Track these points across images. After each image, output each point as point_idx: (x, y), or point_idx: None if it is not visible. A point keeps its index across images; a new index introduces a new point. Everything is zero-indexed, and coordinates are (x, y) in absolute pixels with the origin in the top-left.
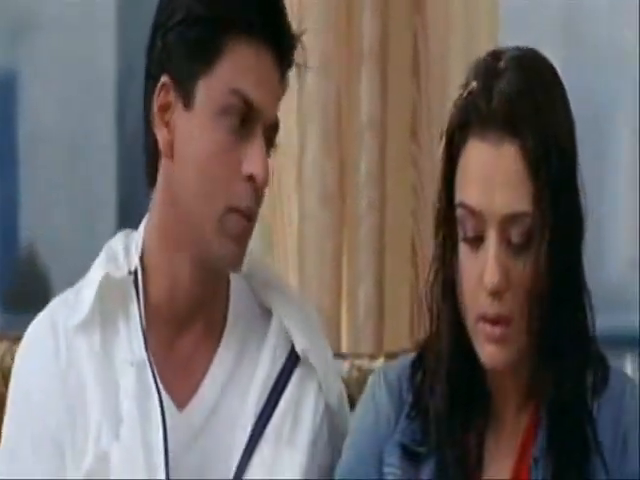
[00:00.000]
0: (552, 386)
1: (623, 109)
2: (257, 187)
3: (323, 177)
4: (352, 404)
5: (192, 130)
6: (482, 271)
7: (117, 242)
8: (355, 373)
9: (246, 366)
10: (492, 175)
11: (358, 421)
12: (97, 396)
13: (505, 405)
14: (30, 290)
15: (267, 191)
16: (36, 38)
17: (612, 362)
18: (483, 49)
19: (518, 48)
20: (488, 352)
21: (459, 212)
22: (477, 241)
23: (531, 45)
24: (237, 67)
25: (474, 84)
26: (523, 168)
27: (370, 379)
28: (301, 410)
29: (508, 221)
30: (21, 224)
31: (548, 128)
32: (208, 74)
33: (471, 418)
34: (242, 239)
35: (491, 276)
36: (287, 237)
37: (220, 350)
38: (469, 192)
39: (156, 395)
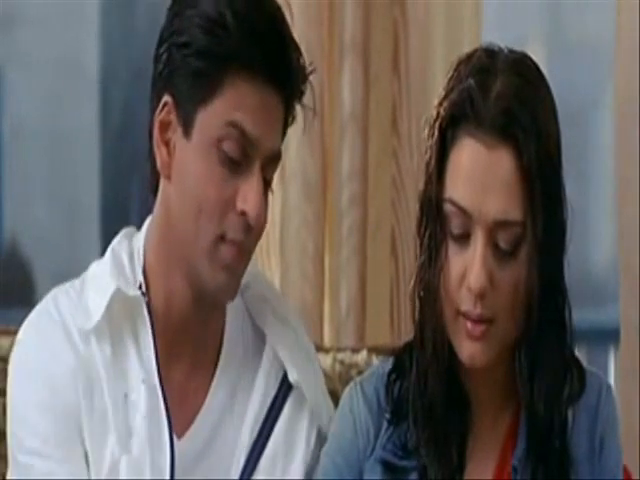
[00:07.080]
0: (529, 393)
1: (604, 105)
2: (249, 223)
3: (305, 171)
4: (335, 399)
5: (189, 158)
6: (466, 269)
7: (122, 248)
8: (338, 367)
9: (241, 395)
10: (485, 178)
11: (336, 433)
12: (107, 401)
13: (484, 410)
14: (12, 283)
15: None
16: (20, 34)
17: (596, 355)
18: (465, 42)
19: (511, 51)
20: (468, 349)
21: (447, 207)
22: (463, 238)
23: (513, 37)
24: (236, 101)
25: (470, 81)
26: (517, 176)
27: (347, 390)
28: (294, 440)
29: (498, 226)
30: (3, 217)
31: (542, 138)
32: (207, 106)
33: (451, 423)
34: (234, 270)
35: (477, 278)
36: (269, 231)
37: (216, 379)
38: (459, 191)
39: (166, 417)
